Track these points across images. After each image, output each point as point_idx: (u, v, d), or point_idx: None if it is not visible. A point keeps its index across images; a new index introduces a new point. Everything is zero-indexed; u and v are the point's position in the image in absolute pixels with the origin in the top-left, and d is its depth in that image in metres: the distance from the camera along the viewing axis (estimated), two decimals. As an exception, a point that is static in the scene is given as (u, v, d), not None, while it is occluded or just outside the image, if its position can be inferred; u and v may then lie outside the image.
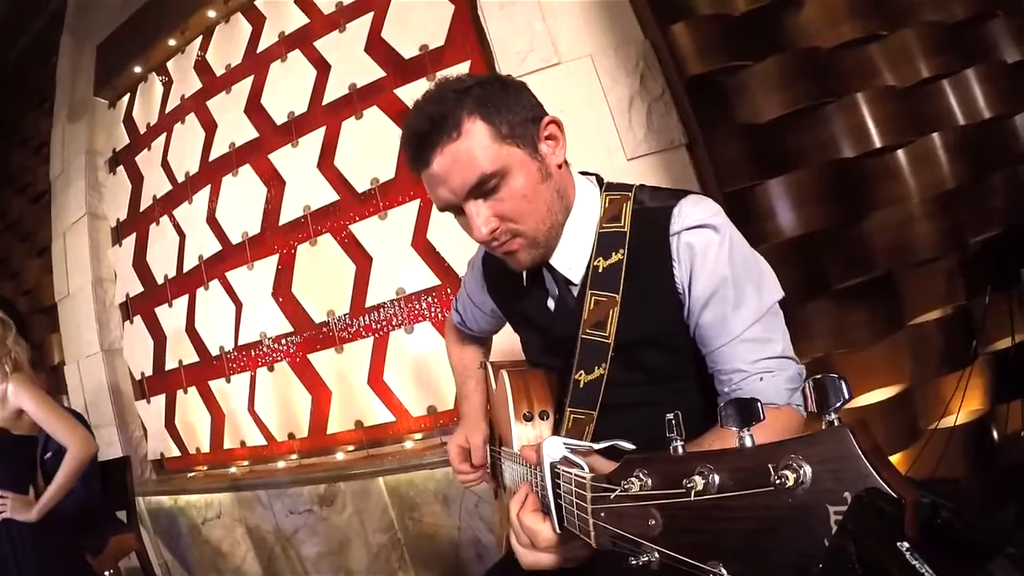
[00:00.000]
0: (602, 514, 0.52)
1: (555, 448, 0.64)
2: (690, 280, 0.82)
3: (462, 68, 2.29)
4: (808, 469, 0.35)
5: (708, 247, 0.80)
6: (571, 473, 0.59)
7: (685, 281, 0.82)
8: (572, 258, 0.87)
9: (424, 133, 0.76)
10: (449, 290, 2.31)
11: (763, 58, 1.91)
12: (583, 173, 0.94)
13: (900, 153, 1.93)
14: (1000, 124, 2.04)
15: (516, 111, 0.79)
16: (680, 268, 0.82)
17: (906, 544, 0.29)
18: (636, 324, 0.84)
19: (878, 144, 1.90)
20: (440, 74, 2.32)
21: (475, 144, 0.75)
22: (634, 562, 0.46)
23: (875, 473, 0.32)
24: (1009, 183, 2.00)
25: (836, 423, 0.35)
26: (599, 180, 0.93)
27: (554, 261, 0.87)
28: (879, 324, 1.86)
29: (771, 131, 1.91)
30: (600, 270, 0.84)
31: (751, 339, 0.81)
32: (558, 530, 0.62)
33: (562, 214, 0.85)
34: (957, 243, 1.91)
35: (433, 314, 2.34)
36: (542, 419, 0.91)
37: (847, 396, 0.36)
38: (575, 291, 0.88)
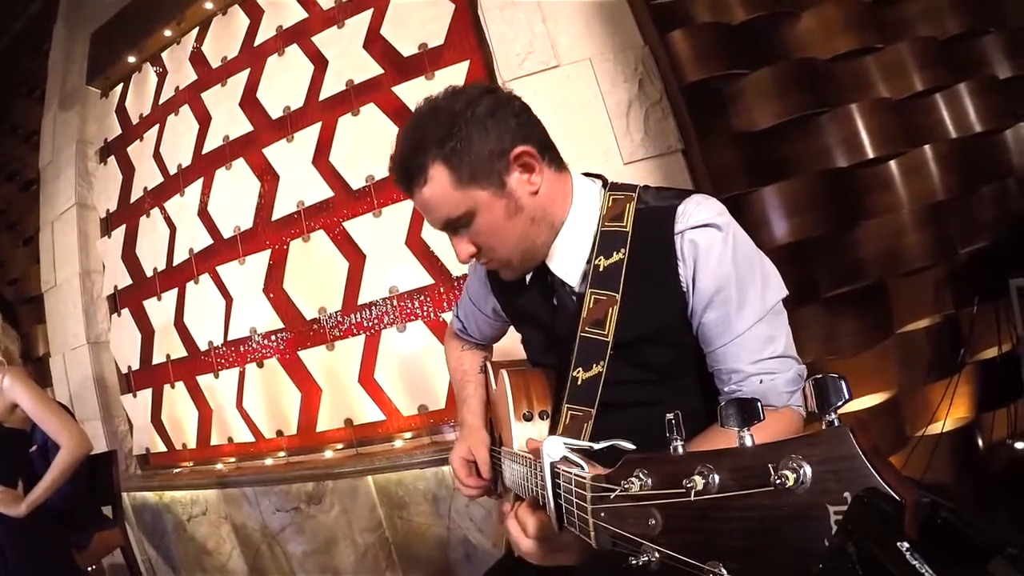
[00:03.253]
0: (602, 514, 0.52)
1: (555, 448, 0.64)
2: (694, 278, 0.82)
3: (461, 68, 2.29)
4: (808, 469, 0.35)
5: (712, 246, 0.81)
6: (571, 473, 0.59)
7: (689, 279, 0.82)
8: (570, 260, 0.88)
9: (400, 176, 0.85)
10: (442, 289, 2.31)
11: (760, 67, 1.93)
12: (587, 175, 0.94)
13: (892, 164, 1.96)
14: (991, 138, 2.08)
15: (483, 148, 0.80)
16: (684, 266, 0.82)
17: (906, 544, 0.29)
18: (636, 323, 0.84)
19: (871, 155, 1.92)
20: (438, 74, 2.32)
21: (438, 191, 0.82)
22: (634, 562, 0.46)
23: (875, 473, 0.32)
24: (998, 196, 2.04)
25: (836, 423, 0.36)
26: (603, 181, 0.94)
27: (552, 265, 0.89)
28: (868, 332, 1.88)
29: (766, 139, 1.93)
30: (601, 269, 0.85)
31: (753, 339, 0.81)
32: (557, 530, 0.63)
33: (544, 235, 0.88)
34: (946, 253, 1.94)
35: (425, 313, 2.34)
36: (542, 419, 0.91)
37: (847, 396, 0.36)
38: (575, 290, 0.89)
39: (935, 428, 1.94)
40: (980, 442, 2.04)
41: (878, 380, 1.91)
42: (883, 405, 1.90)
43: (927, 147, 1.97)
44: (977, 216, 2.00)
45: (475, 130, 0.80)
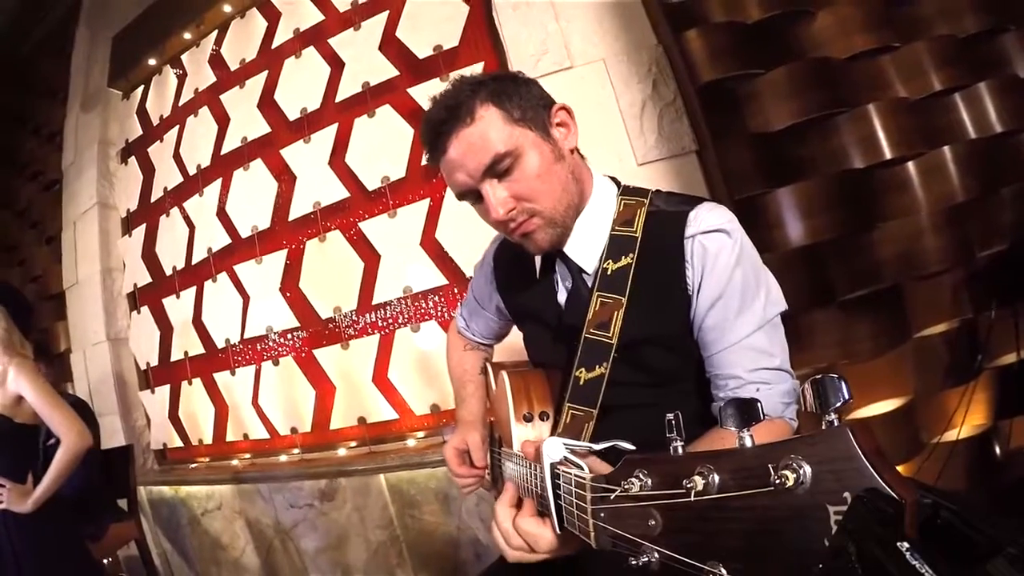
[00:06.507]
0: (602, 514, 0.52)
1: (555, 449, 0.64)
2: (700, 282, 0.83)
3: (475, 69, 2.29)
4: (808, 469, 0.35)
5: (720, 251, 0.82)
6: (571, 473, 0.59)
7: (696, 283, 0.83)
8: (586, 249, 0.89)
9: (441, 121, 0.80)
10: (456, 290, 2.32)
11: (775, 67, 1.91)
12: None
13: (910, 165, 1.93)
14: (1011, 139, 2.03)
15: (527, 98, 0.83)
16: (692, 270, 0.83)
17: (906, 544, 0.29)
18: (641, 327, 0.84)
19: (888, 156, 1.90)
20: (454, 74, 2.33)
21: (488, 127, 0.79)
22: (634, 562, 0.46)
23: (875, 473, 0.32)
24: (1018, 198, 2.00)
25: (836, 423, 0.36)
26: (616, 182, 0.95)
27: (568, 250, 0.89)
28: (884, 336, 1.85)
29: (781, 140, 1.91)
30: (609, 272, 0.85)
31: (750, 347, 0.82)
32: (558, 531, 0.63)
33: (577, 197, 0.87)
34: (964, 257, 1.90)
35: (439, 313, 2.35)
36: (542, 420, 0.91)
37: (847, 396, 0.36)
38: (588, 281, 0.89)
39: (951, 435, 1.90)
40: (997, 450, 2.00)
41: (894, 386, 1.88)
42: (898, 411, 1.86)
43: (946, 148, 1.94)
44: (996, 219, 1.96)
45: (519, 84, 0.84)
